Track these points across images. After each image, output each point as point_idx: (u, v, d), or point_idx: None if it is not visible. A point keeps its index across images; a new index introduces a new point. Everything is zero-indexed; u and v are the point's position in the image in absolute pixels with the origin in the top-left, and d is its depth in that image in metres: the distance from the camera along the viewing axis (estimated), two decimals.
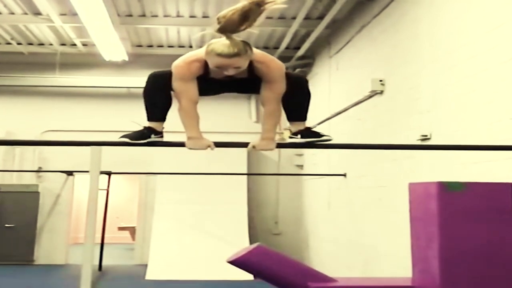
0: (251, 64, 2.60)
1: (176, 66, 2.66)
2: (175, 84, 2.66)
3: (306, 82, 2.83)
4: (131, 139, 2.72)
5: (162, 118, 2.80)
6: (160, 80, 2.72)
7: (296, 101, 2.77)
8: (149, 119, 2.79)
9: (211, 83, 2.70)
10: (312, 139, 2.77)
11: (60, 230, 9.63)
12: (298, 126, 2.82)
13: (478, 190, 2.76)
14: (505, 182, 2.90)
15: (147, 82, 2.77)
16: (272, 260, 3.05)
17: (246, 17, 2.43)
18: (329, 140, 2.80)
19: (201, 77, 2.66)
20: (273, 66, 2.65)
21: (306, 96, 2.80)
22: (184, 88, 2.64)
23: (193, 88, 2.64)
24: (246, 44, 2.51)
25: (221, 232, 8.61)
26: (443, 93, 4.46)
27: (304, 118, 2.83)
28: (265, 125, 2.75)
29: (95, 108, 9.84)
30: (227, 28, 2.46)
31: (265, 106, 2.73)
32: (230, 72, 2.53)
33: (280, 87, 2.68)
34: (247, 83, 2.72)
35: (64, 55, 9.58)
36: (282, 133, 9.07)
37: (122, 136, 2.74)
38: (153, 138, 2.75)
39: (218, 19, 2.47)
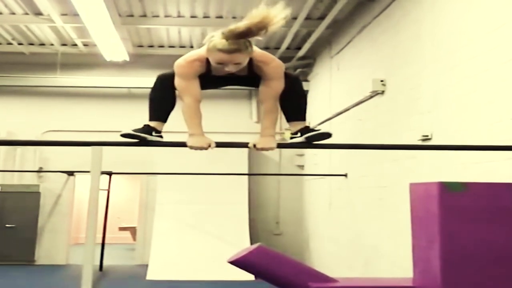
0: (251, 62, 2.65)
1: (178, 65, 2.70)
2: (178, 82, 2.70)
3: (301, 81, 2.90)
4: (134, 131, 2.74)
5: (163, 119, 2.83)
6: (166, 81, 2.76)
7: (293, 100, 2.82)
8: (150, 119, 2.82)
9: (212, 79, 2.74)
10: (311, 133, 2.79)
11: (61, 230, 9.63)
12: (298, 126, 2.84)
13: (479, 190, 2.76)
14: (506, 182, 2.90)
15: (154, 83, 2.82)
16: (272, 261, 3.04)
17: (248, 34, 2.48)
18: (329, 134, 2.81)
19: (203, 75, 2.70)
20: (274, 65, 2.70)
21: (302, 95, 2.87)
22: (186, 86, 2.67)
23: (195, 86, 2.68)
24: (246, 40, 2.53)
25: (222, 232, 8.61)
26: (444, 94, 4.46)
27: (303, 118, 2.86)
28: (264, 122, 2.78)
29: (96, 108, 9.85)
30: (229, 38, 2.50)
31: (263, 103, 2.77)
32: (231, 68, 2.57)
33: (279, 85, 2.73)
34: (247, 79, 2.77)
35: (65, 55, 9.59)
36: (283, 133, 9.08)
37: (123, 133, 2.75)
38: (154, 135, 2.76)
39: (222, 33, 2.50)
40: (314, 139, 2.80)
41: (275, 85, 2.72)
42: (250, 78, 2.74)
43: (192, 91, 2.67)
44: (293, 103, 2.83)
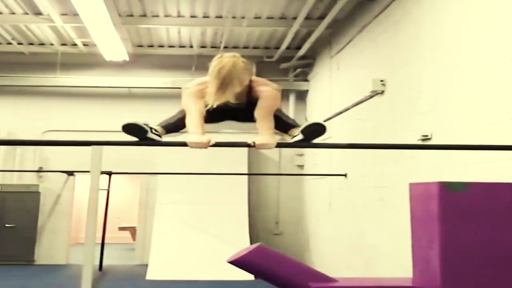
0: (250, 89, 2.88)
1: (186, 87, 2.94)
2: (184, 100, 2.89)
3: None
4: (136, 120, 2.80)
5: (167, 130, 2.95)
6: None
7: (280, 117, 3.01)
8: (158, 124, 2.94)
9: (215, 111, 2.86)
10: (305, 125, 2.87)
11: (60, 230, 9.63)
12: (296, 131, 2.95)
13: (479, 190, 2.76)
14: (506, 182, 2.89)
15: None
16: (272, 260, 3.04)
17: None
18: (323, 125, 2.86)
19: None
20: (272, 87, 2.95)
21: (285, 113, 3.15)
22: (192, 103, 2.85)
23: (201, 103, 2.84)
24: (247, 62, 2.80)
25: (222, 232, 8.60)
26: (444, 93, 4.46)
27: (297, 125, 3.01)
28: (262, 124, 2.87)
29: (96, 108, 9.84)
30: None
31: (260, 114, 2.88)
32: None
33: (276, 104, 2.96)
34: (246, 112, 2.92)
35: (65, 55, 9.59)
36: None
37: (125, 123, 2.77)
38: (153, 133, 2.79)
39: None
40: (310, 131, 2.83)
41: (272, 104, 2.90)
42: (249, 107, 2.87)
43: (197, 106, 2.83)
44: (283, 120, 3.03)
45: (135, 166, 9.36)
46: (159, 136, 2.84)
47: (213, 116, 2.92)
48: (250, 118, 2.92)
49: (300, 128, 2.85)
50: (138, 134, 2.75)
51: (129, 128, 2.72)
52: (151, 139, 2.79)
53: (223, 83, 2.72)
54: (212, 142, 2.70)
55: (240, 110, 2.93)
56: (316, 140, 2.93)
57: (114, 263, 9.74)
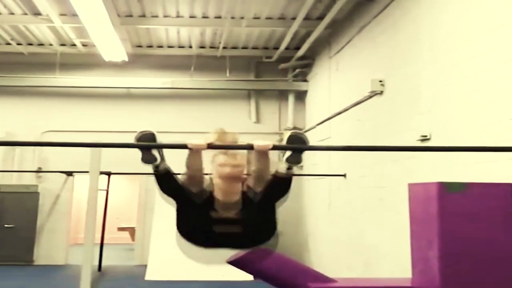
0: (246, 192, 2.89)
1: None
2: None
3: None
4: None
5: (168, 171, 3.05)
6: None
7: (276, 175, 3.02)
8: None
9: (212, 223, 2.89)
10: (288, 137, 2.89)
11: (59, 230, 9.62)
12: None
13: (478, 190, 2.76)
14: (506, 183, 2.89)
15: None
16: (272, 261, 3.04)
17: None
18: (302, 139, 2.87)
19: (204, 215, 2.93)
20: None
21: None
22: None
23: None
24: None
25: None
26: (443, 94, 4.45)
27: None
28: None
29: (95, 109, 9.83)
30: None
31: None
32: (229, 170, 2.79)
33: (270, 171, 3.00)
34: (242, 230, 2.89)
35: (64, 56, 9.58)
36: (281, 133, 9.07)
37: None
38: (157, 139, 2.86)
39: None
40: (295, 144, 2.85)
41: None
42: (246, 225, 2.85)
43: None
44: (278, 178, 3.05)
45: (134, 166, 9.24)
46: (162, 158, 2.90)
47: (208, 236, 2.93)
48: (247, 241, 2.90)
49: (283, 141, 2.87)
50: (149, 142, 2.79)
51: (144, 136, 2.74)
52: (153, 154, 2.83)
53: (222, 134, 2.84)
54: (210, 141, 2.72)
55: (237, 221, 2.89)
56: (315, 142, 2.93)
57: (113, 264, 9.73)
